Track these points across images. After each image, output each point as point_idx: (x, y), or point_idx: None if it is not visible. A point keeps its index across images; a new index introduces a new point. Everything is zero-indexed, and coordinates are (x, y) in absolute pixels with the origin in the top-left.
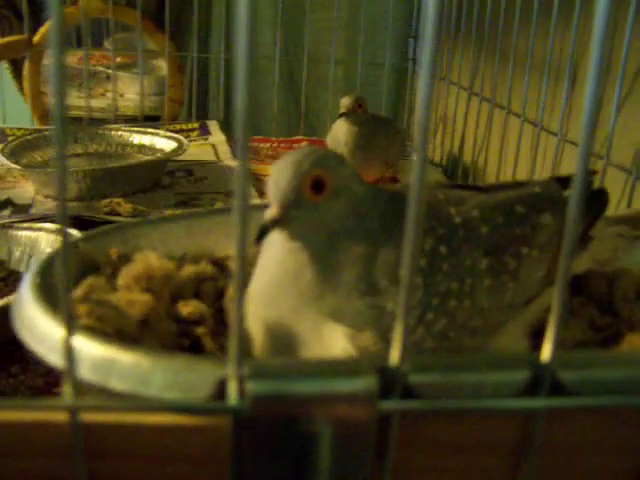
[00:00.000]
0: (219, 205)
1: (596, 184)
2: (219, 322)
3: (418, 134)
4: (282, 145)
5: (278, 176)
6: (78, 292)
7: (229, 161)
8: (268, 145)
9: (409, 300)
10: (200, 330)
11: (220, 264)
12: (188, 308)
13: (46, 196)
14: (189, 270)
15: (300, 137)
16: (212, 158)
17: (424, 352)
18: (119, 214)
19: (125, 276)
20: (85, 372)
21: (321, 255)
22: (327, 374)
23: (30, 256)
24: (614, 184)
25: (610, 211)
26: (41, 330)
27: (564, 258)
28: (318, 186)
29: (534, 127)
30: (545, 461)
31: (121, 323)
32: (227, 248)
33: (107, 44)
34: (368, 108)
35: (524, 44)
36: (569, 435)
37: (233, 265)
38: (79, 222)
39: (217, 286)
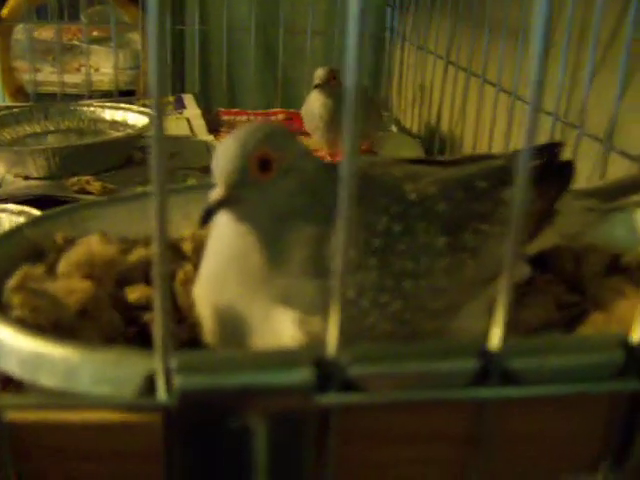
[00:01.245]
0: (191, 181)
1: (569, 155)
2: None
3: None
4: (259, 118)
5: (223, 155)
6: (12, 281)
7: (204, 135)
8: (245, 118)
9: (344, 287)
10: (147, 317)
11: (174, 246)
12: (135, 294)
13: (16, 175)
14: (138, 254)
15: (277, 109)
16: (187, 132)
17: (379, 336)
18: (89, 192)
19: (65, 262)
20: (14, 367)
21: (270, 237)
22: (261, 366)
23: None
24: (588, 154)
25: (584, 183)
26: None
27: (511, 238)
28: (265, 165)
29: (510, 96)
30: (500, 450)
31: (58, 314)
32: (182, 229)
33: (83, 16)
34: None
35: (499, 12)
36: (524, 424)
37: (186, 247)
38: (48, 201)
39: (169, 269)
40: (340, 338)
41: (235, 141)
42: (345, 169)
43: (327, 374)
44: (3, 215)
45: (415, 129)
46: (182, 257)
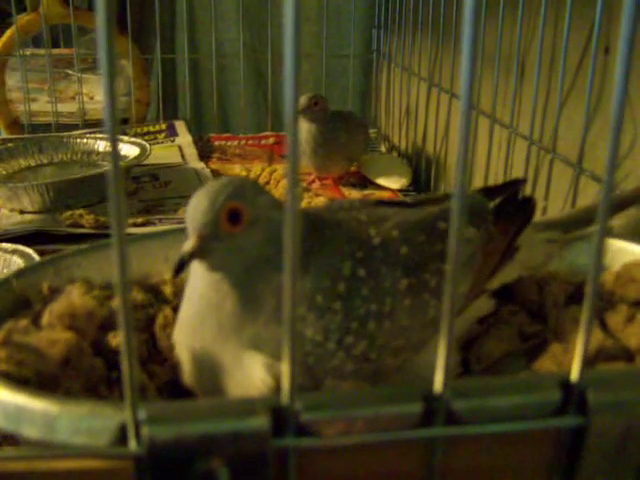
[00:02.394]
0: (182, 211)
1: (544, 178)
2: (151, 350)
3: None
4: (250, 142)
5: (195, 208)
6: (8, 343)
7: (196, 163)
8: (236, 143)
9: (294, 336)
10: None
11: (155, 290)
12: (117, 339)
13: (11, 210)
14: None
15: (268, 133)
16: (178, 160)
17: (345, 375)
18: (82, 226)
19: (48, 314)
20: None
21: (241, 285)
22: (221, 415)
23: None
24: (562, 178)
25: (559, 206)
26: None
27: (448, 283)
28: (234, 217)
29: (489, 118)
30: None
31: (41, 365)
32: (162, 273)
33: (76, 45)
34: (335, 101)
35: (477, 34)
36: (471, 460)
37: (167, 290)
38: (41, 236)
39: (149, 313)
40: (293, 386)
41: (206, 195)
42: (288, 212)
43: (282, 420)
44: None
45: (403, 148)
46: (163, 300)
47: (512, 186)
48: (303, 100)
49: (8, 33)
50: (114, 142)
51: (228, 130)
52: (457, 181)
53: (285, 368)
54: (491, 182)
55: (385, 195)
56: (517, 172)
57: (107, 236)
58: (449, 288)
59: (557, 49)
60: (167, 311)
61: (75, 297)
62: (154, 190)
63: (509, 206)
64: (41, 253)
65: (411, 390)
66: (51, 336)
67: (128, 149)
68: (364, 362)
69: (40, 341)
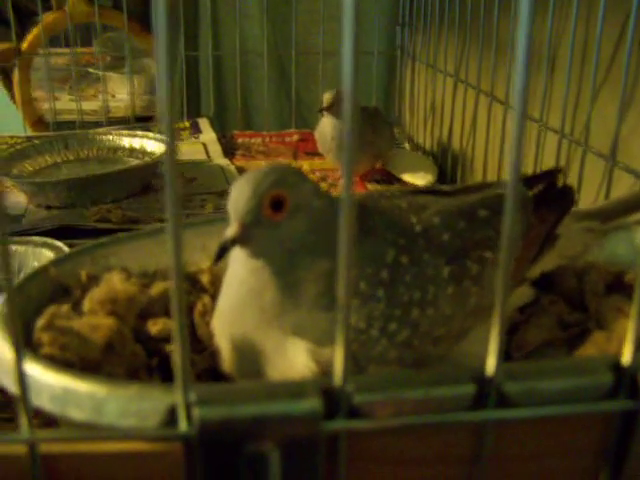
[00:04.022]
0: (209, 206)
1: (575, 172)
2: (190, 338)
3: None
4: (274, 139)
5: (237, 195)
6: (41, 321)
7: (220, 159)
8: (260, 140)
9: (347, 320)
10: (169, 348)
11: (192, 278)
12: (157, 326)
13: (38, 205)
14: (159, 287)
15: (292, 130)
16: (203, 157)
17: (388, 362)
18: (109, 221)
19: (89, 301)
20: (45, 402)
21: (283, 272)
22: (273, 397)
23: (19, 270)
24: (595, 171)
25: (591, 198)
26: (4, 361)
27: (501, 266)
28: (277, 205)
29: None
30: (500, 469)
31: (84, 350)
32: (198, 261)
33: (96, 44)
34: (359, 98)
35: (505, 30)
36: (521, 443)
37: (204, 279)
38: (70, 231)
39: (188, 301)
40: (346, 368)
41: (249, 182)
42: (344, 200)
43: (334, 402)
44: (28, 247)
45: (428, 146)
46: (200, 289)
47: (549, 176)
48: (329, 96)
49: (34, 32)
50: (171, 133)
51: (251, 127)
52: (511, 174)
53: (337, 350)
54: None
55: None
56: (547, 165)
57: (134, 231)
58: (502, 273)
59: (589, 42)
60: (206, 299)
61: (116, 283)
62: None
63: (548, 195)
64: (69, 247)
65: (462, 372)
66: (93, 321)
67: (154, 146)
68: (407, 349)
69: (82, 326)
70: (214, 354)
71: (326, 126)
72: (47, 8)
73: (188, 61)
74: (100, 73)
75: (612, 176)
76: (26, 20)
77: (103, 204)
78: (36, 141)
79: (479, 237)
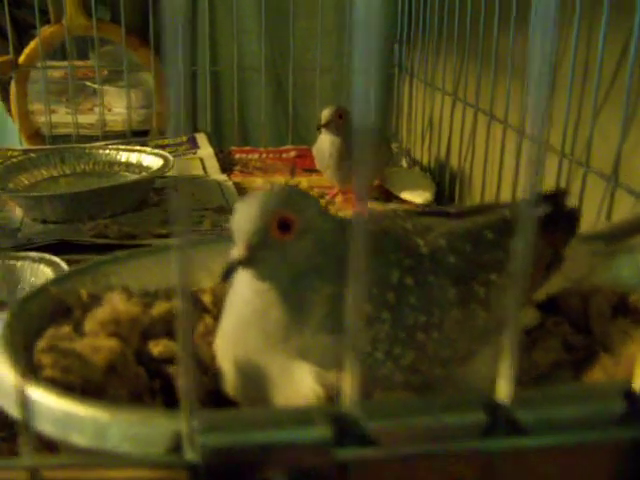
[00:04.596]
0: (207, 222)
1: (576, 192)
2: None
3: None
4: (270, 155)
5: (243, 216)
6: (42, 342)
7: (217, 175)
8: (257, 156)
9: (358, 346)
10: (172, 369)
11: (194, 298)
12: (159, 347)
13: (34, 219)
14: (161, 308)
15: (289, 146)
16: (200, 172)
17: (393, 385)
18: (106, 236)
19: (91, 321)
20: (47, 427)
21: (288, 294)
22: (280, 424)
23: (17, 285)
24: (594, 191)
25: (591, 219)
26: (4, 384)
27: (514, 290)
28: (284, 226)
29: (517, 133)
30: None
31: (86, 372)
32: (200, 281)
33: (93, 57)
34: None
35: (504, 50)
36: (532, 471)
37: (206, 299)
38: (65, 246)
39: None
40: (356, 394)
41: (255, 203)
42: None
43: (344, 430)
44: (25, 262)
45: (425, 162)
46: (202, 309)
47: (555, 198)
48: (327, 113)
49: (32, 45)
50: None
51: (247, 143)
52: (526, 195)
53: (348, 377)
54: (519, 195)
55: (408, 209)
56: (548, 185)
57: (132, 246)
58: (514, 295)
59: (590, 60)
60: (208, 320)
61: (118, 304)
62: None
63: (554, 217)
64: (67, 262)
65: (473, 399)
66: (95, 343)
67: (151, 160)
68: (412, 373)
69: (84, 348)
70: (216, 376)
71: (324, 143)
72: (45, 21)
73: (185, 76)
74: (97, 87)
75: (614, 197)
76: (24, 33)
77: (100, 219)
78: (32, 154)
79: (485, 259)
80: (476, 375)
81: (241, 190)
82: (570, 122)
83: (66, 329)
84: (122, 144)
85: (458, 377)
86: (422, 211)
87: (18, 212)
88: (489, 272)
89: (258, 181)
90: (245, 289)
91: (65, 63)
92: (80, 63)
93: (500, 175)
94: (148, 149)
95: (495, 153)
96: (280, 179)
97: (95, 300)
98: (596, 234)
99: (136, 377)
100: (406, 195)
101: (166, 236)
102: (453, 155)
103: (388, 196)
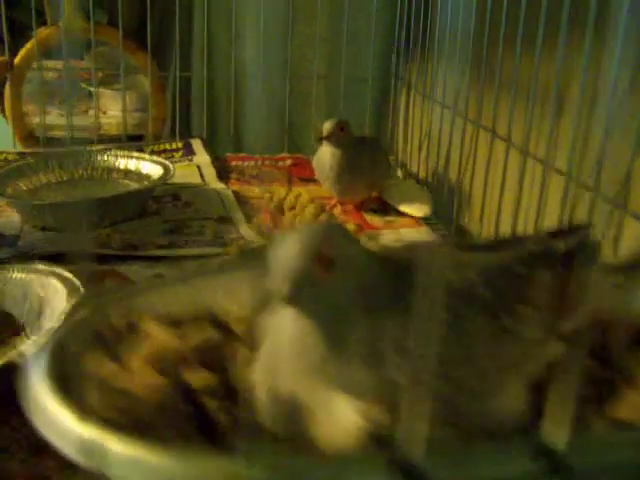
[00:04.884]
0: (209, 232)
1: (582, 215)
2: (227, 389)
3: None
4: (266, 163)
5: (286, 254)
6: (89, 379)
7: (215, 183)
8: (252, 163)
9: (429, 391)
10: (212, 403)
11: (223, 326)
12: (199, 381)
13: (34, 226)
14: (195, 339)
15: (285, 154)
16: (198, 180)
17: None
18: (109, 246)
19: (137, 358)
20: (108, 469)
21: (328, 327)
22: (346, 468)
23: (24, 299)
24: (598, 215)
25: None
26: (59, 425)
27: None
28: (326, 264)
29: (521, 153)
30: None
31: (138, 412)
32: (227, 307)
33: (87, 59)
34: (351, 124)
35: (509, 67)
36: None
37: (238, 328)
38: (66, 255)
39: (221, 350)
40: (422, 440)
41: (298, 241)
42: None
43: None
44: (31, 275)
45: (422, 174)
46: (234, 338)
47: (577, 230)
48: (329, 125)
49: (28, 46)
50: None
51: (240, 150)
52: None
53: (418, 424)
54: (521, 218)
55: (407, 223)
56: (551, 209)
57: (134, 257)
58: (578, 350)
59: (599, 82)
60: (242, 349)
61: (159, 337)
62: (176, 210)
63: (576, 249)
64: (71, 272)
65: (530, 446)
66: (145, 381)
67: (150, 168)
68: (448, 407)
69: (135, 387)
70: (254, 407)
71: (325, 155)
72: (41, 22)
73: (180, 82)
74: (92, 89)
75: (622, 223)
76: (19, 34)
77: (100, 227)
78: (30, 159)
79: (516, 293)
80: (504, 407)
81: (240, 199)
82: (577, 143)
83: (113, 367)
84: (118, 148)
85: (490, 410)
86: (451, 243)
87: (16, 218)
88: (519, 305)
89: (256, 190)
90: (284, 322)
91: (59, 64)
92: (76, 64)
93: (502, 192)
94: (147, 156)
95: (497, 171)
96: (278, 188)
97: (131, 330)
98: (616, 266)
99: (185, 415)
100: (405, 208)
101: (168, 247)
102: (452, 169)
103: (386, 208)
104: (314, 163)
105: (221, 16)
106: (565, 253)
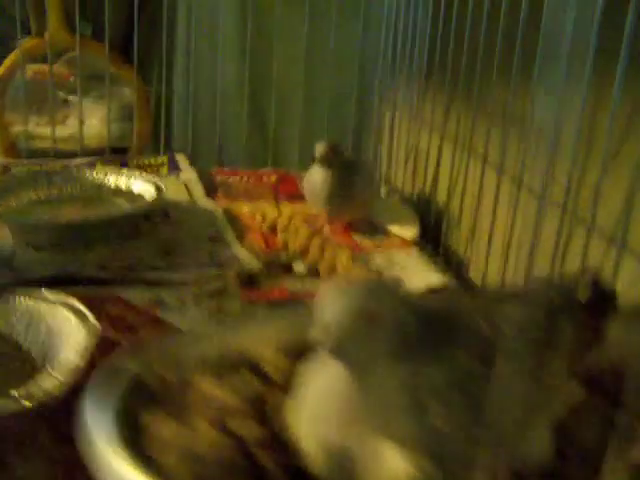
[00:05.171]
0: (204, 254)
1: (577, 250)
2: (276, 440)
3: None
4: (252, 179)
5: (332, 309)
6: (156, 441)
7: (203, 201)
8: (238, 178)
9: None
10: (264, 455)
11: (258, 369)
12: (250, 433)
13: (26, 244)
14: (242, 390)
15: (269, 169)
16: (186, 197)
17: (470, 464)
18: (105, 267)
19: (201, 420)
20: None
21: (371, 377)
22: None
23: (32, 328)
24: (595, 251)
25: None
26: None
27: None
28: (369, 318)
29: (513, 183)
30: None
31: (211, 475)
32: (261, 351)
33: (60, 64)
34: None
35: (502, 97)
36: None
37: (270, 369)
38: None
39: (259, 395)
40: None
41: (344, 296)
42: None
43: None
44: (39, 303)
45: (407, 192)
46: (270, 382)
47: (593, 277)
48: (322, 148)
49: (12, 57)
50: None
51: (222, 164)
52: None
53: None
54: (514, 250)
55: (397, 244)
56: (545, 243)
57: (133, 280)
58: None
59: (598, 116)
60: (279, 395)
61: (213, 394)
62: (167, 229)
63: (595, 296)
64: (73, 296)
65: None
66: (209, 440)
67: (141, 187)
68: (484, 451)
69: (200, 446)
70: (296, 452)
71: (316, 176)
72: (25, 32)
73: (161, 96)
74: (70, 98)
75: (620, 260)
76: (3, 45)
77: (93, 247)
78: (19, 175)
79: (539, 341)
80: (534, 450)
81: (230, 218)
82: (573, 176)
83: (174, 426)
84: (103, 162)
85: (519, 452)
86: (478, 291)
87: (6, 234)
88: (542, 352)
89: (245, 208)
90: (329, 373)
91: (34, 66)
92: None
93: (493, 222)
94: (137, 173)
95: (488, 198)
96: (266, 206)
97: (182, 385)
98: (634, 310)
99: (243, 469)
100: (395, 229)
101: (166, 269)
102: (440, 192)
103: (374, 229)
104: (304, 183)
105: (202, 30)
106: (585, 302)
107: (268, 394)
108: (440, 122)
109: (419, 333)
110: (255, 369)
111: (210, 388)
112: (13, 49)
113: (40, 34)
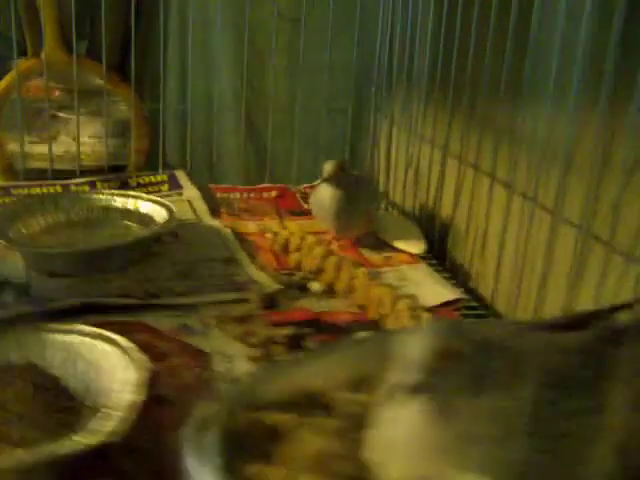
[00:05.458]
0: (219, 277)
1: (595, 269)
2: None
3: None
4: (252, 195)
5: (415, 349)
6: None
7: (209, 220)
8: (238, 195)
9: None
10: None
11: (330, 407)
12: (351, 472)
13: (39, 271)
14: (327, 432)
15: (268, 185)
16: (191, 216)
17: None
18: (128, 295)
19: (301, 463)
20: None
21: (451, 410)
22: None
23: (70, 363)
24: (612, 271)
25: (608, 300)
26: None
27: None
28: (449, 356)
29: (525, 199)
30: None
31: None
32: (330, 387)
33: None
34: (329, 155)
35: (505, 115)
36: None
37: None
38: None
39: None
40: None
41: (426, 338)
42: None
43: None
44: (73, 336)
45: (408, 206)
46: (340, 417)
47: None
48: (329, 167)
49: (7, 78)
50: None
51: (215, 180)
52: None
53: None
54: (527, 270)
55: (405, 259)
56: (559, 262)
57: (157, 306)
58: None
59: (615, 136)
60: (358, 433)
61: (308, 440)
62: (178, 249)
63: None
64: (99, 326)
65: None
66: None
67: (148, 207)
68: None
69: None
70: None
71: (324, 194)
72: (21, 52)
73: (154, 113)
74: (61, 114)
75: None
76: (0, 66)
77: (108, 272)
78: (16, 193)
79: (602, 370)
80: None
81: (238, 237)
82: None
83: (279, 473)
84: (100, 180)
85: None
86: (539, 323)
87: (20, 263)
88: (607, 382)
89: (250, 225)
90: (409, 405)
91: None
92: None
93: (503, 242)
94: (144, 195)
95: (497, 214)
96: (272, 223)
97: (282, 437)
98: None
99: None
100: (401, 245)
101: (187, 293)
102: (445, 207)
103: (381, 244)
104: (311, 199)
105: (195, 46)
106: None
107: (349, 433)
108: (442, 136)
109: (494, 362)
110: (328, 407)
111: (305, 435)
112: (9, 70)
113: (36, 54)
